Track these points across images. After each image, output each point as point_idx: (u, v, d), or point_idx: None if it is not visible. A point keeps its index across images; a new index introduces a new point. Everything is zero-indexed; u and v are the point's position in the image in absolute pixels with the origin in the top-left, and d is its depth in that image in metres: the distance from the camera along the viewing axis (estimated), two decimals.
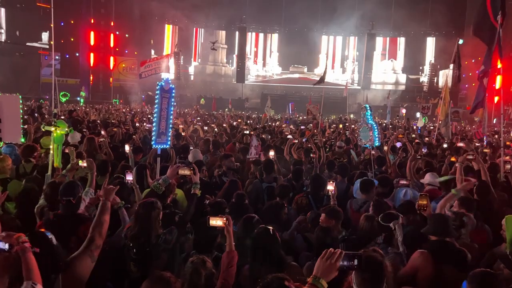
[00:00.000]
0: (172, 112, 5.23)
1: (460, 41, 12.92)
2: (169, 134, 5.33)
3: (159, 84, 5.01)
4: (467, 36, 41.86)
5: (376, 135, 6.78)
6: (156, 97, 5.02)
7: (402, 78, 52.16)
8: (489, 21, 7.58)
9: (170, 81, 5.09)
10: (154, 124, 5.16)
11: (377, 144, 6.84)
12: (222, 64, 54.14)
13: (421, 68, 51.28)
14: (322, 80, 15.72)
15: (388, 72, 52.53)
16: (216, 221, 3.36)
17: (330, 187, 5.00)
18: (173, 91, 5.07)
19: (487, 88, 8.25)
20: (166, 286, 2.64)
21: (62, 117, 14.46)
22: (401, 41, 51.77)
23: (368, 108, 7.06)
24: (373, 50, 48.90)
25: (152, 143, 5.31)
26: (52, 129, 5.50)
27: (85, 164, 4.95)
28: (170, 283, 2.66)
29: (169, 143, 5.36)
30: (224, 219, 3.36)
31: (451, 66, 13.49)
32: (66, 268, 2.78)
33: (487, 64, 8.07)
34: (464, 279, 2.81)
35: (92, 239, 3.02)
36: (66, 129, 5.76)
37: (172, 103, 5.10)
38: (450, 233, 3.63)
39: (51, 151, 5.40)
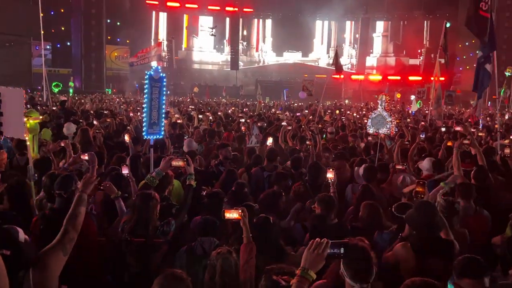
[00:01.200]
0: (164, 102, 5.12)
1: (447, 24, 12.94)
2: (162, 124, 5.23)
3: (148, 73, 4.90)
4: (461, 18, 41.77)
5: (369, 122, 6.75)
6: (145, 86, 4.91)
7: (404, 61, 51.38)
8: (477, 13, 7.67)
9: (160, 70, 4.98)
10: (144, 114, 5.06)
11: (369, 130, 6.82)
12: (209, 50, 52.90)
13: (419, 51, 50.88)
14: (340, 68, 15.49)
15: (390, 55, 51.90)
16: (232, 214, 3.33)
17: (330, 174, 4.95)
18: (164, 79, 4.96)
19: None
20: (180, 283, 2.61)
21: (54, 108, 14.36)
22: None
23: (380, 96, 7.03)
24: (367, 34, 48.40)
25: (143, 134, 5.22)
26: (25, 119, 5.40)
27: (86, 158, 4.89)
28: (183, 279, 2.63)
29: (162, 133, 5.26)
30: (240, 211, 3.33)
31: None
32: (37, 263, 2.66)
33: (486, 50, 8.04)
34: (451, 270, 2.80)
35: (66, 232, 2.89)
36: (41, 117, 5.65)
37: (163, 92, 5.00)
38: (436, 226, 3.44)
39: (27, 142, 5.33)
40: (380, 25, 51.76)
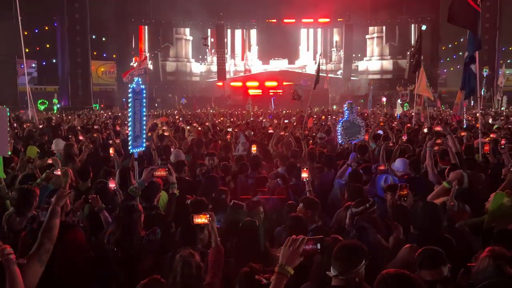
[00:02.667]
0: (144, 114, 5.21)
1: (423, 27, 13.36)
2: (144, 136, 5.31)
3: (131, 86, 5.00)
4: (443, 21, 42.43)
5: (339, 132, 6.85)
6: (129, 100, 5.00)
7: (389, 65, 50.09)
8: (469, 6, 7.62)
9: (140, 82, 5.08)
10: (130, 128, 5.13)
11: (340, 141, 6.95)
12: (187, 60, 50.76)
13: (408, 53, 50.28)
14: (317, 81, 15.44)
15: (386, 58, 50.16)
16: (200, 219, 3.42)
17: (305, 174, 5.06)
18: (144, 91, 5.07)
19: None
20: (159, 285, 2.78)
21: (41, 126, 14.32)
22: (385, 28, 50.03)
23: (347, 104, 7.14)
24: (351, 41, 48.36)
25: (129, 147, 5.29)
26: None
27: (59, 173, 4.94)
28: (161, 283, 2.81)
29: (144, 145, 5.33)
30: (208, 215, 3.41)
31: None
32: None
33: (471, 49, 8.17)
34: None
35: (42, 243, 3.01)
36: None
37: (144, 104, 5.09)
38: (442, 226, 3.58)
39: None
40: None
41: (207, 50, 50.51)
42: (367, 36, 50.27)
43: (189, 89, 47.33)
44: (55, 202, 3.28)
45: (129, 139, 5.17)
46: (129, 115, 5.03)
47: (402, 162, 6.25)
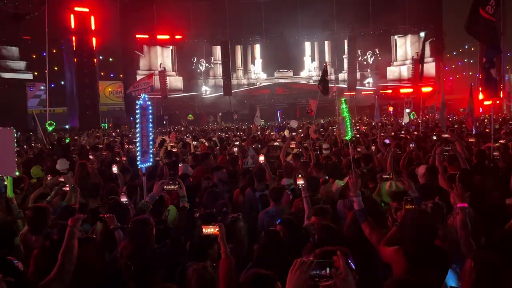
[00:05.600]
0: (151, 129, 5.27)
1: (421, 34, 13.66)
2: (151, 151, 5.36)
3: (138, 103, 5.08)
4: (447, 29, 42.49)
5: (349, 127, 6.82)
6: (137, 116, 5.08)
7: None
8: (480, 15, 7.68)
9: (147, 98, 5.16)
10: (138, 144, 5.19)
11: (349, 137, 6.90)
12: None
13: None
14: (326, 87, 14.94)
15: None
16: (209, 229, 3.42)
17: (300, 181, 5.07)
18: (150, 107, 5.15)
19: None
20: None
21: (50, 147, 14.50)
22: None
23: (343, 101, 7.14)
24: (355, 51, 48.30)
25: (138, 163, 5.31)
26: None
27: (68, 188, 5.00)
28: None
29: (151, 160, 5.38)
30: (217, 226, 3.41)
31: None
32: None
33: (490, 54, 8.21)
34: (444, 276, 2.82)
35: (63, 264, 3.08)
36: None
37: (150, 120, 5.17)
38: (430, 235, 3.33)
39: (5, 182, 5.41)
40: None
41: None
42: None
43: (196, 105, 47.60)
44: (72, 224, 3.36)
45: (137, 154, 5.22)
46: (137, 131, 5.10)
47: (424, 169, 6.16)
